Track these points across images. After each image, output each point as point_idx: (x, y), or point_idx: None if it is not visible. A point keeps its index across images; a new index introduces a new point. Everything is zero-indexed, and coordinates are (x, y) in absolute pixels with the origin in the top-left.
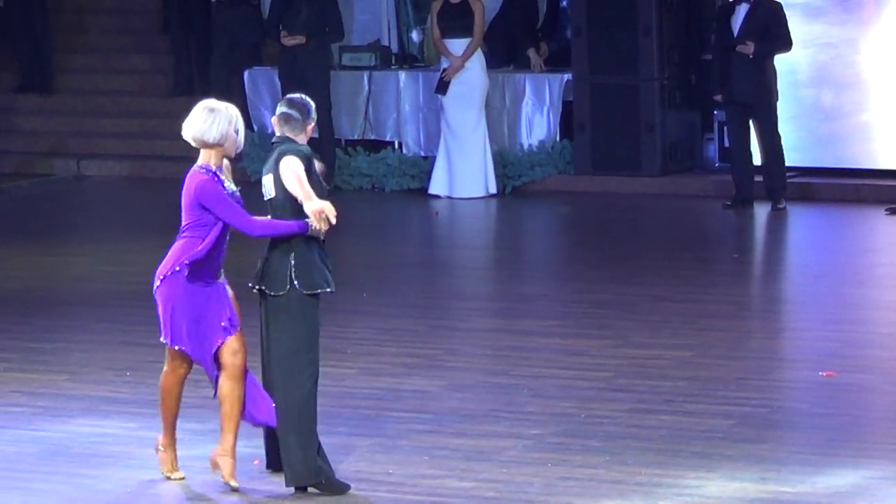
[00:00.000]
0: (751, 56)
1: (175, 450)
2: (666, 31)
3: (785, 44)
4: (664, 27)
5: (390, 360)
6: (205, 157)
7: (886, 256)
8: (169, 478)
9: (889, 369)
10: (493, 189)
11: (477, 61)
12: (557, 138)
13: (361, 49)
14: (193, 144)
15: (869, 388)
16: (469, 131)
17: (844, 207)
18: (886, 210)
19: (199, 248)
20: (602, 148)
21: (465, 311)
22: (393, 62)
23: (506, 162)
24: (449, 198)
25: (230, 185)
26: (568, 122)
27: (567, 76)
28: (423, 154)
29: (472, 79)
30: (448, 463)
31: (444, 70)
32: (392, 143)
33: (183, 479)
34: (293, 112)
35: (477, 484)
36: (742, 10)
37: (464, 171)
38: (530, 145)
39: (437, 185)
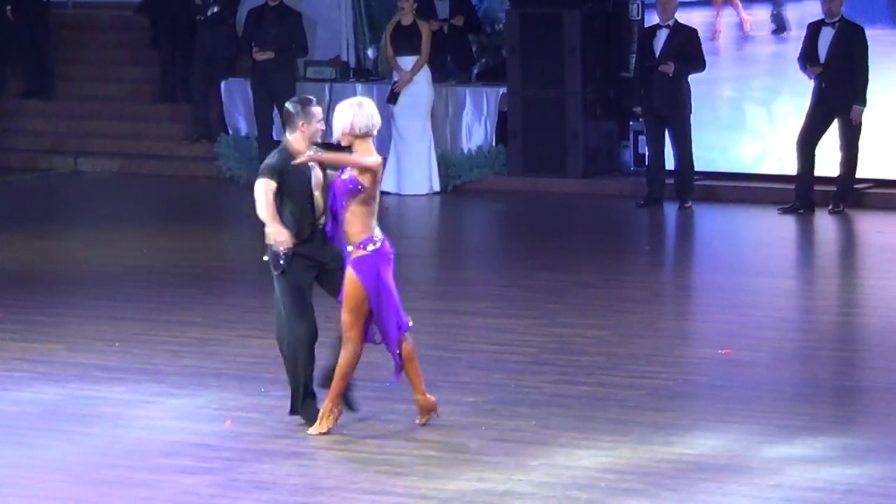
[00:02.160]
0: (670, 75)
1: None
2: (589, 51)
3: (699, 65)
4: (587, 47)
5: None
6: None
7: (779, 250)
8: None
9: (779, 348)
10: (436, 187)
11: (424, 76)
12: (493, 144)
13: (323, 63)
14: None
15: (762, 364)
16: (416, 137)
17: (743, 207)
18: (779, 210)
19: None
20: (532, 152)
21: (410, 294)
22: (351, 76)
23: (448, 164)
24: (398, 194)
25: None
26: (502, 129)
27: (502, 90)
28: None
29: (419, 91)
30: (394, 425)
31: (395, 83)
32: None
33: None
34: (289, 106)
35: (420, 443)
36: (662, 34)
37: (411, 172)
38: (469, 149)
39: (388, 184)
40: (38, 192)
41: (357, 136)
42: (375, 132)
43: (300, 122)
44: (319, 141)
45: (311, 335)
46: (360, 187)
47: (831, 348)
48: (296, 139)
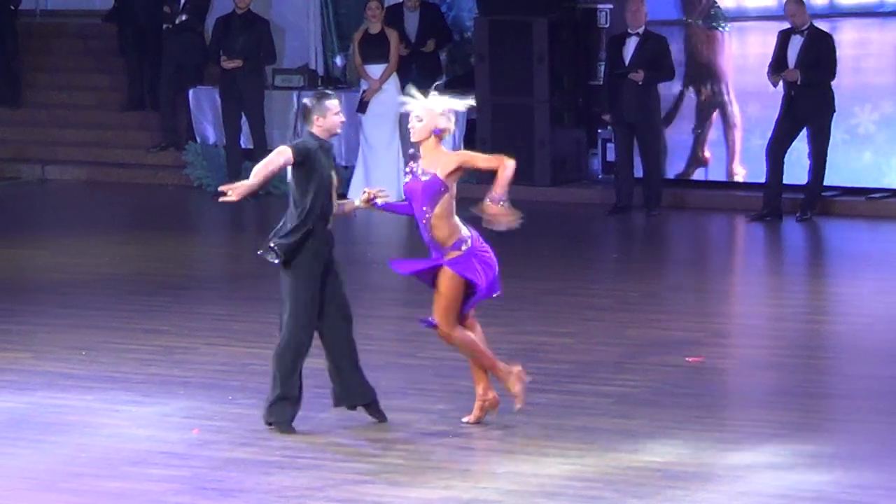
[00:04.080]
0: (640, 83)
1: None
2: (557, 60)
3: (669, 73)
4: (556, 56)
5: (312, 343)
6: None
7: (746, 258)
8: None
9: (747, 355)
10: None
11: (392, 84)
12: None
13: (291, 72)
14: None
15: (729, 371)
16: (384, 144)
17: (712, 215)
18: (747, 217)
19: None
20: None
21: (378, 301)
22: (319, 83)
23: None
24: None
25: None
26: (471, 137)
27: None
28: (343, 164)
29: (388, 99)
30: (361, 433)
31: (364, 91)
32: None
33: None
34: (306, 101)
35: (387, 451)
36: (632, 43)
37: (379, 179)
38: None
39: (356, 191)
40: (5, 200)
41: (437, 137)
42: None
43: (315, 117)
44: (339, 132)
45: (307, 346)
46: (443, 188)
47: (798, 355)
48: (316, 132)
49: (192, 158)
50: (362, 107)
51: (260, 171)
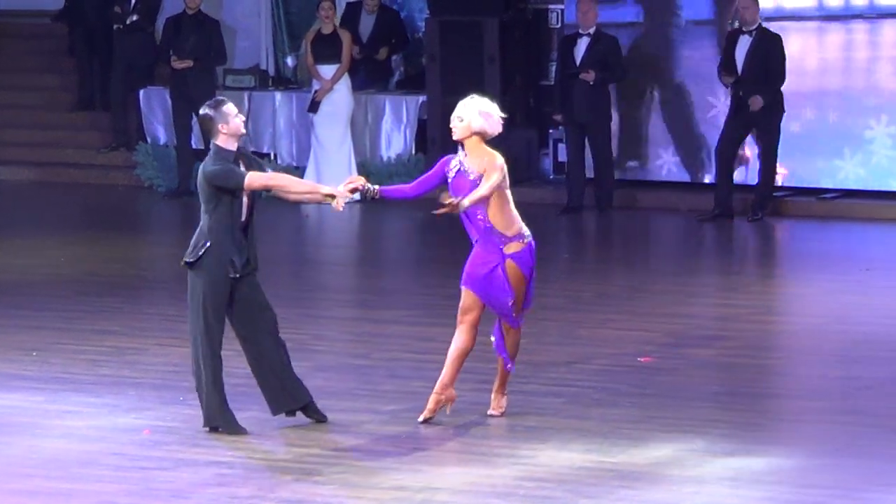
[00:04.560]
0: (591, 83)
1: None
2: (508, 60)
3: (620, 74)
4: (507, 56)
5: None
6: None
7: (698, 258)
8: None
9: (698, 355)
10: (356, 195)
11: (344, 84)
12: (413, 152)
13: (242, 72)
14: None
15: (680, 371)
16: (336, 145)
17: (663, 215)
18: (699, 217)
19: None
20: None
21: (330, 302)
22: (270, 84)
23: (367, 172)
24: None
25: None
26: (422, 137)
27: (422, 98)
28: (295, 164)
29: (339, 99)
30: (313, 434)
31: (316, 91)
32: (268, 154)
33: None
34: (203, 113)
35: (338, 453)
36: (583, 43)
37: (331, 180)
38: (389, 157)
39: None
40: None
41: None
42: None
43: (220, 125)
44: (244, 132)
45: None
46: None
47: (749, 356)
48: (222, 142)
49: (143, 159)
50: (314, 107)
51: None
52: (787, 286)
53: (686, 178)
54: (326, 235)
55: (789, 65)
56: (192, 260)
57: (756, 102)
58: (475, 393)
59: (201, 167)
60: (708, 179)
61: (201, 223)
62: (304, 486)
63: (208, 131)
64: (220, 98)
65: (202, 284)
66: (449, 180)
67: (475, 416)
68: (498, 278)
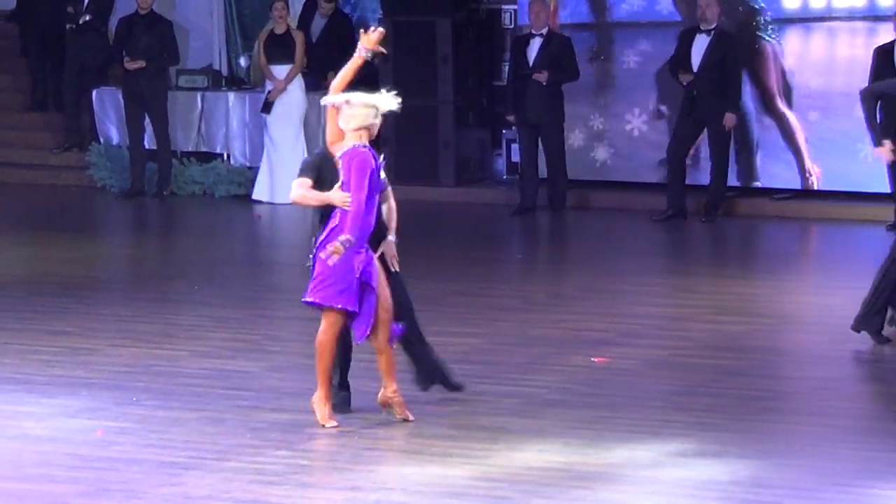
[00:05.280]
0: (544, 83)
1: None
2: (461, 60)
3: (573, 74)
4: (459, 57)
5: (218, 345)
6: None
7: (651, 258)
8: (324, 426)
9: (652, 355)
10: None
11: (297, 84)
12: None
13: (195, 72)
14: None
15: (634, 371)
16: (289, 145)
17: (617, 215)
18: (653, 218)
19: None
20: (404, 161)
21: (283, 302)
22: (223, 84)
23: None
24: (270, 203)
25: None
26: (375, 137)
27: None
28: (248, 164)
29: (293, 100)
30: (267, 435)
31: (269, 92)
32: (221, 155)
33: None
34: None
35: (292, 453)
36: (536, 43)
37: (284, 180)
38: None
39: (261, 192)
40: None
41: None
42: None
43: None
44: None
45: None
46: None
47: (703, 355)
48: None
49: (96, 159)
50: (267, 107)
51: (317, 196)
52: (740, 286)
53: (638, 178)
54: (279, 235)
55: (839, 65)
56: None
57: (730, 121)
58: (428, 393)
59: None
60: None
61: None
62: (258, 486)
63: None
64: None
65: None
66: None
67: (429, 417)
68: None
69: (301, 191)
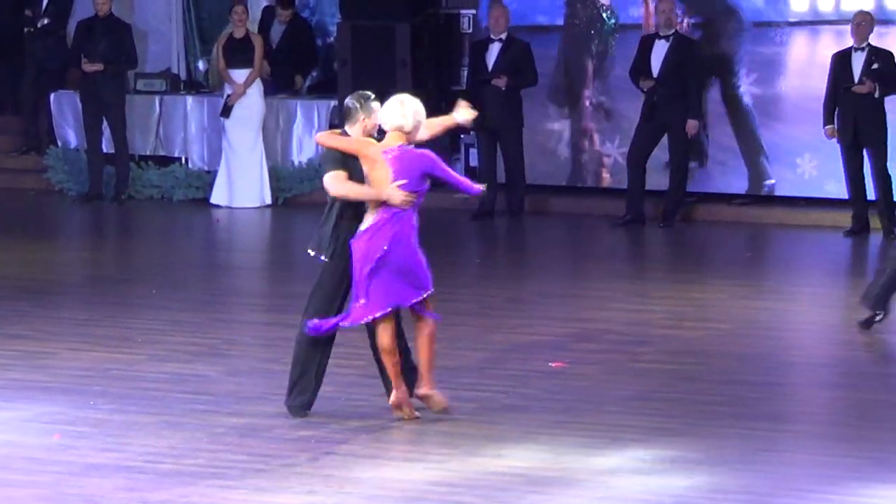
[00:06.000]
0: (503, 88)
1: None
2: (420, 65)
3: (532, 79)
4: (418, 61)
5: (176, 348)
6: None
7: (610, 263)
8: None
9: (608, 361)
10: (267, 200)
11: (256, 89)
12: None
13: (154, 76)
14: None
15: (592, 376)
16: (248, 149)
17: (575, 220)
18: (611, 223)
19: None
20: None
21: (241, 306)
22: (181, 88)
23: (279, 176)
24: (229, 207)
25: None
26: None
27: (333, 102)
28: (206, 168)
29: (251, 104)
30: (225, 438)
31: (228, 96)
32: (179, 159)
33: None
34: (349, 102)
35: (250, 457)
36: (495, 48)
37: (242, 184)
38: (300, 162)
39: (219, 196)
40: None
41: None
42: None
43: (362, 117)
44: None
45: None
46: None
47: (661, 360)
48: (355, 132)
49: (54, 163)
50: (226, 111)
51: (358, 189)
52: (698, 291)
53: (597, 184)
54: (237, 240)
55: (793, 71)
56: None
57: (692, 128)
58: (385, 398)
59: None
60: (621, 185)
61: None
62: (215, 490)
63: (346, 118)
64: (369, 93)
65: None
66: None
67: (386, 421)
68: None
69: (347, 185)
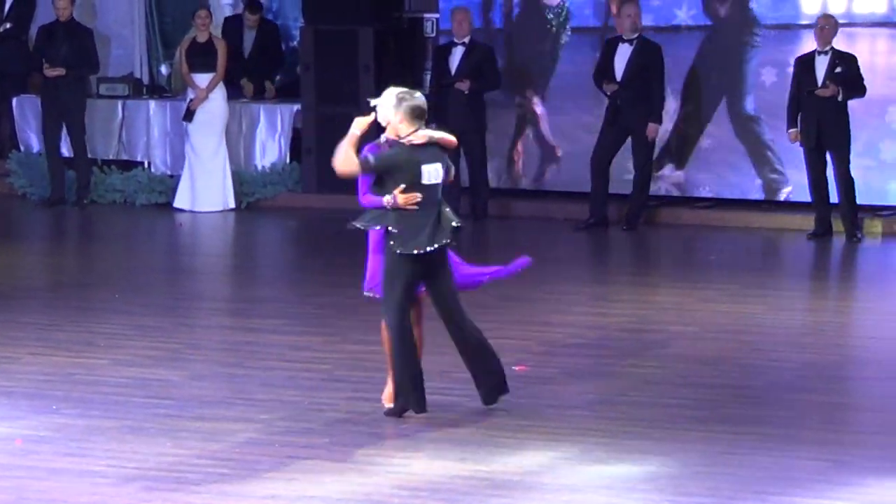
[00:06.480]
0: (466, 92)
1: None
2: (383, 69)
3: (495, 83)
4: (382, 65)
5: (139, 353)
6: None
7: (572, 266)
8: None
9: (571, 364)
10: (231, 204)
11: (219, 93)
12: (287, 160)
13: (116, 80)
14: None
15: (555, 380)
16: (211, 153)
17: (538, 224)
18: (574, 227)
19: None
20: (326, 169)
21: (204, 311)
22: (144, 92)
23: (242, 180)
24: (192, 211)
25: None
26: (297, 146)
27: (296, 106)
28: (169, 173)
29: (214, 108)
30: (187, 443)
31: (191, 100)
32: (142, 163)
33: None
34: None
35: (213, 462)
36: (458, 52)
37: (205, 188)
38: (263, 166)
39: (182, 200)
40: None
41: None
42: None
43: (397, 114)
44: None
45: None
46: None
47: (623, 364)
48: (389, 130)
49: (16, 167)
50: (188, 115)
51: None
52: (661, 295)
53: (560, 187)
54: (201, 244)
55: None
56: None
57: (652, 131)
58: (349, 402)
59: None
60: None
61: None
62: (177, 494)
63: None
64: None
65: None
66: None
67: (349, 425)
68: None
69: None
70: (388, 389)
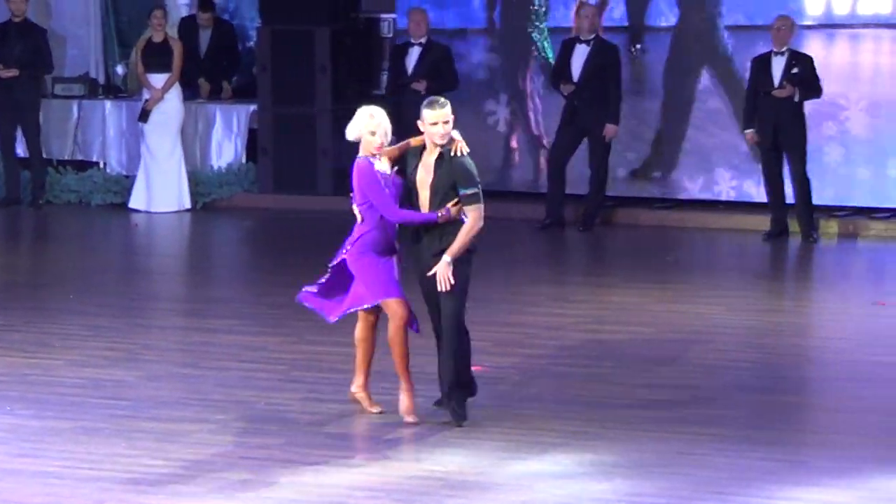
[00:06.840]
0: (423, 92)
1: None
2: (340, 69)
3: (452, 83)
4: (338, 65)
5: (93, 353)
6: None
7: (528, 267)
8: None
9: (527, 365)
10: (186, 204)
11: (175, 93)
12: (243, 161)
13: (72, 80)
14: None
15: (511, 380)
16: (166, 154)
17: (495, 224)
18: (538, 226)
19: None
20: (282, 170)
21: (159, 311)
22: (100, 92)
23: (198, 181)
24: (147, 212)
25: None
26: (252, 146)
27: (252, 107)
28: (125, 173)
29: (170, 108)
30: (142, 444)
31: (147, 100)
32: (98, 163)
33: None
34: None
35: (168, 462)
36: (415, 52)
37: (161, 189)
38: (220, 167)
39: (137, 201)
40: None
41: None
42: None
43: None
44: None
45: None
46: None
47: (579, 364)
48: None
49: None
50: (144, 116)
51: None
52: (617, 295)
53: (521, 189)
54: (156, 244)
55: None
56: None
57: (610, 132)
58: (305, 402)
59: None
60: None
61: None
62: (132, 496)
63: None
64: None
65: None
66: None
67: (305, 426)
68: None
69: None
70: (406, 402)
